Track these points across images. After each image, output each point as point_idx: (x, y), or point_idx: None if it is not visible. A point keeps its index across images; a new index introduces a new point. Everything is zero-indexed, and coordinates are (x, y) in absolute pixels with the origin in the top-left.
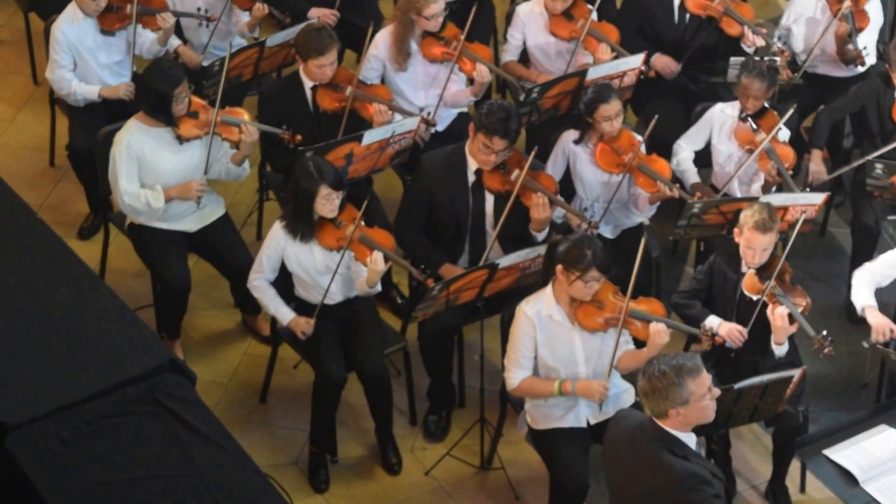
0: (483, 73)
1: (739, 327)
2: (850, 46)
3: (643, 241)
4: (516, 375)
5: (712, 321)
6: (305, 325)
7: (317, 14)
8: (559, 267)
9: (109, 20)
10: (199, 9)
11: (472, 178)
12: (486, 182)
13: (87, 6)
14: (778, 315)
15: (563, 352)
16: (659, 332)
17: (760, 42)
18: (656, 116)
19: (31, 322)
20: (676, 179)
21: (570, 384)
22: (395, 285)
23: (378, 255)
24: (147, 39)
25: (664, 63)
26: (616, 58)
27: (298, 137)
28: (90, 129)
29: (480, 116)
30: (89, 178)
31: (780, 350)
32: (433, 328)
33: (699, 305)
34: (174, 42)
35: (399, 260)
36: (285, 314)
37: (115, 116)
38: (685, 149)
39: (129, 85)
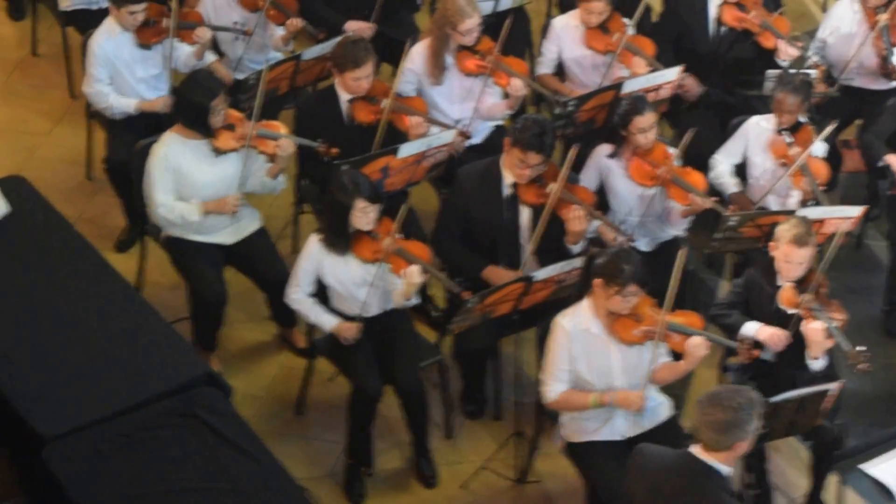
0: (518, 86)
1: (780, 331)
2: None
3: (682, 255)
4: (553, 388)
5: (751, 327)
6: (350, 330)
7: (353, 27)
8: (597, 280)
9: (146, 34)
10: (234, 23)
11: (507, 191)
12: (521, 195)
13: (124, 20)
14: (813, 330)
15: (600, 365)
16: (698, 346)
17: (796, 55)
18: (691, 130)
19: (68, 335)
20: (713, 192)
21: (608, 395)
22: (431, 298)
23: (413, 268)
24: (183, 53)
25: (690, 83)
26: (652, 71)
27: (334, 150)
28: (127, 142)
29: (515, 131)
30: (126, 191)
31: (816, 365)
32: (469, 341)
33: (737, 314)
34: (209, 57)
35: (436, 272)
36: (328, 321)
37: (152, 129)
38: (722, 162)
39: (168, 98)
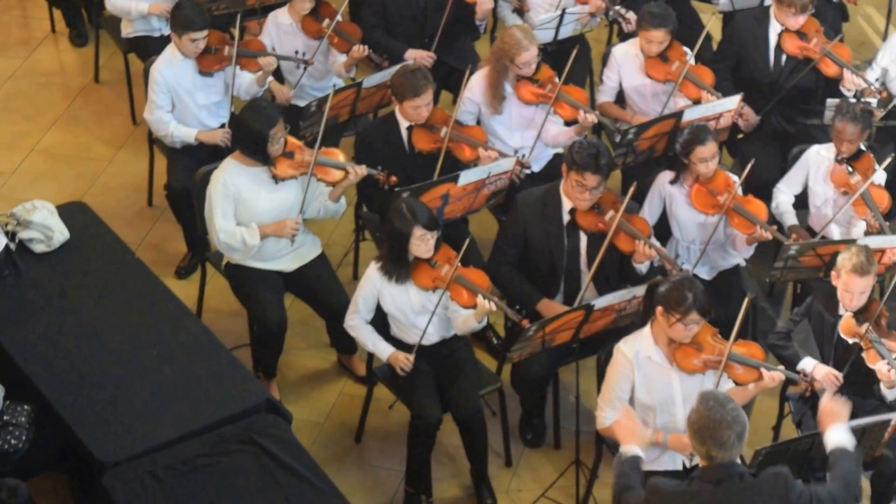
0: (588, 119)
1: (835, 372)
2: None
3: (747, 302)
4: (608, 416)
5: (807, 363)
6: (405, 361)
7: (413, 56)
8: (659, 308)
9: (208, 61)
10: (296, 51)
11: (566, 217)
12: (580, 222)
13: (186, 48)
14: (878, 367)
15: (661, 393)
16: (773, 379)
17: (860, 83)
18: (753, 160)
19: (128, 361)
20: (775, 221)
21: (662, 436)
22: (491, 326)
23: (483, 300)
24: (245, 80)
25: (748, 113)
26: (711, 100)
27: (394, 179)
28: (188, 169)
29: (571, 154)
30: (187, 218)
31: (891, 395)
32: (528, 369)
33: (795, 347)
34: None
35: (495, 300)
36: (384, 350)
37: (213, 156)
38: (784, 192)
39: (227, 132)
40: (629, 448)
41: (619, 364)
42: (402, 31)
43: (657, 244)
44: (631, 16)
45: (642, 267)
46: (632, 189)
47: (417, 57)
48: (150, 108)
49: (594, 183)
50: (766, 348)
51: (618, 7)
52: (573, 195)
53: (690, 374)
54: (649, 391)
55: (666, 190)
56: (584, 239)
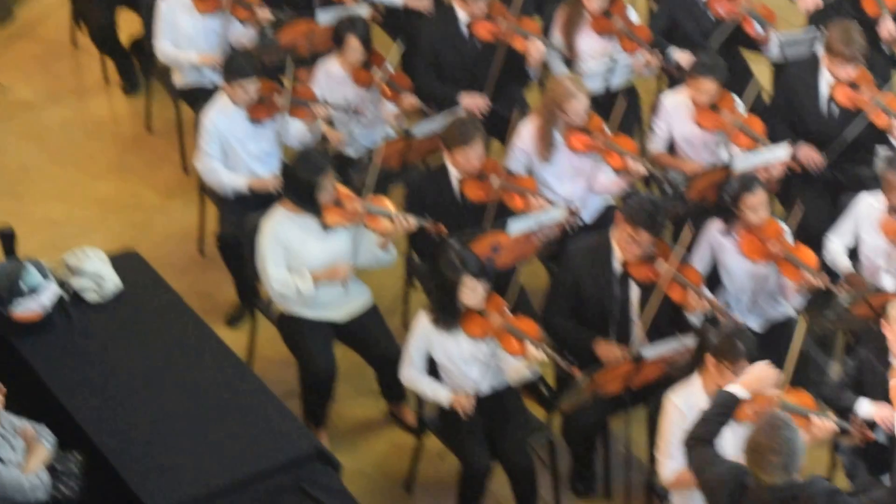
0: (637, 169)
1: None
2: None
3: (799, 330)
4: (669, 466)
5: (864, 407)
6: (467, 401)
7: (467, 100)
8: (710, 357)
9: (259, 110)
10: (346, 101)
11: (617, 267)
12: (632, 272)
13: (236, 96)
14: None
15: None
16: (825, 429)
17: None
18: (800, 207)
19: (178, 408)
20: (827, 270)
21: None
22: (541, 375)
23: (533, 348)
24: (295, 128)
25: (807, 155)
26: (762, 150)
27: (443, 229)
28: (238, 217)
29: (628, 207)
30: (237, 266)
31: None
32: (578, 419)
33: (848, 394)
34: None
35: (546, 349)
36: (445, 395)
37: (263, 205)
38: (834, 241)
39: (278, 178)
40: (735, 387)
41: (671, 415)
42: (452, 79)
43: (708, 294)
44: (684, 55)
45: (695, 317)
46: (684, 238)
47: (470, 102)
48: (201, 157)
49: (647, 240)
50: (819, 399)
51: (670, 51)
52: (625, 246)
53: (741, 423)
54: None
55: (716, 239)
56: (635, 289)
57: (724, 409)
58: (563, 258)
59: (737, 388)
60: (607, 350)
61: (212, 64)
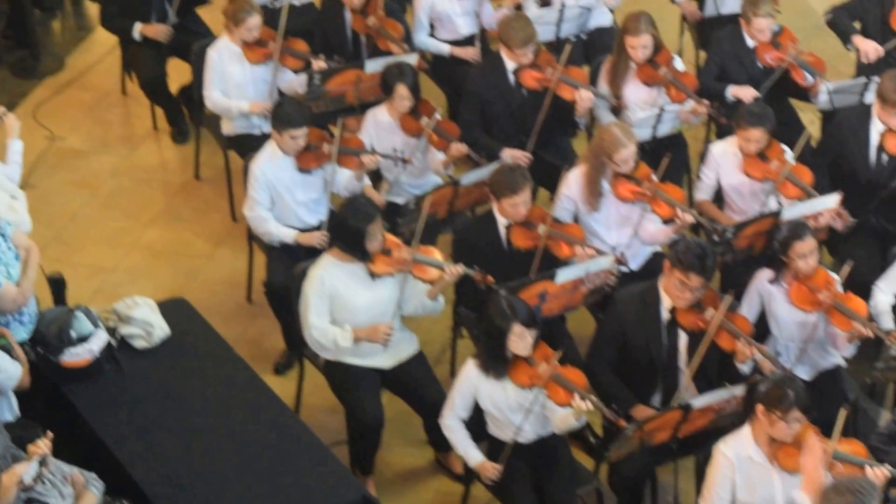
0: (686, 218)
1: None
2: None
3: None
4: None
5: None
6: (492, 471)
7: (510, 155)
8: (760, 407)
9: (307, 159)
10: (394, 149)
11: (665, 315)
12: (680, 320)
13: (285, 145)
14: None
15: (763, 493)
16: (879, 479)
17: None
18: (850, 261)
19: (227, 457)
20: (874, 320)
21: None
22: (588, 424)
23: (579, 399)
24: (344, 177)
25: (841, 214)
26: (810, 199)
27: (490, 279)
28: (286, 265)
29: (677, 253)
30: (285, 314)
31: None
32: (626, 469)
33: None
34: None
35: (593, 399)
36: (474, 457)
37: (311, 253)
38: (883, 290)
39: (324, 234)
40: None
41: (720, 465)
42: (499, 128)
43: (757, 344)
44: (744, 90)
45: (745, 367)
46: (729, 298)
47: (514, 156)
48: (250, 205)
49: (698, 284)
50: (869, 450)
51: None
52: (674, 293)
53: (792, 474)
54: (750, 491)
55: (765, 288)
56: (683, 337)
57: None
58: (610, 306)
59: (803, 498)
60: (645, 416)
61: (262, 112)
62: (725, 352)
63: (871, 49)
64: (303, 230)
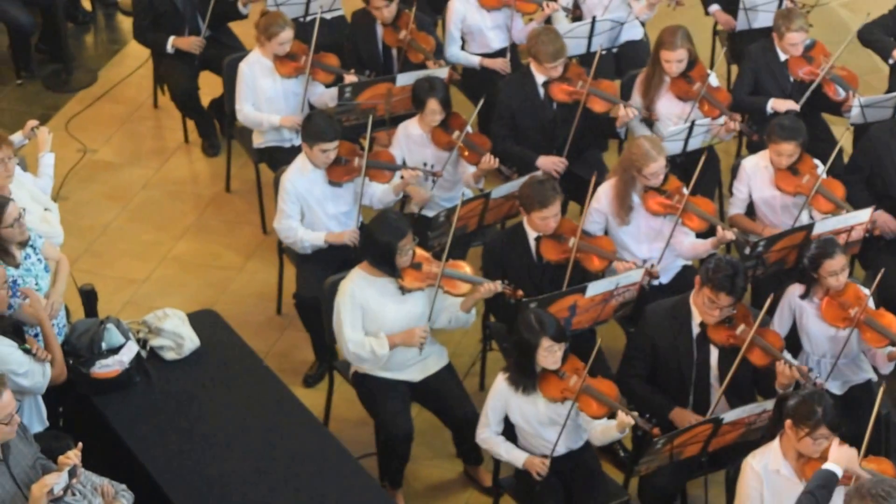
0: (727, 236)
1: None
2: None
3: (879, 398)
4: None
5: None
6: (541, 465)
7: (544, 162)
8: (788, 422)
9: (338, 172)
10: (425, 163)
11: (696, 330)
12: (711, 335)
13: (316, 158)
14: None
15: None
16: None
17: None
18: (883, 271)
19: (256, 469)
20: None
21: None
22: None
23: (623, 415)
24: (378, 190)
25: (884, 221)
26: (843, 213)
27: (520, 293)
28: (317, 278)
29: (707, 271)
30: (315, 327)
31: None
32: (656, 482)
33: None
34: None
35: (625, 410)
36: (518, 456)
37: (341, 266)
38: None
39: (354, 232)
40: (832, 465)
41: (749, 479)
42: (530, 141)
43: (790, 358)
44: (783, 102)
45: (782, 388)
46: (768, 302)
47: (549, 163)
48: (279, 217)
49: (727, 303)
50: None
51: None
52: (703, 310)
53: None
54: None
55: (796, 303)
56: (714, 352)
57: (826, 485)
58: (641, 319)
59: (834, 466)
60: (683, 419)
61: (292, 126)
62: (758, 367)
63: None
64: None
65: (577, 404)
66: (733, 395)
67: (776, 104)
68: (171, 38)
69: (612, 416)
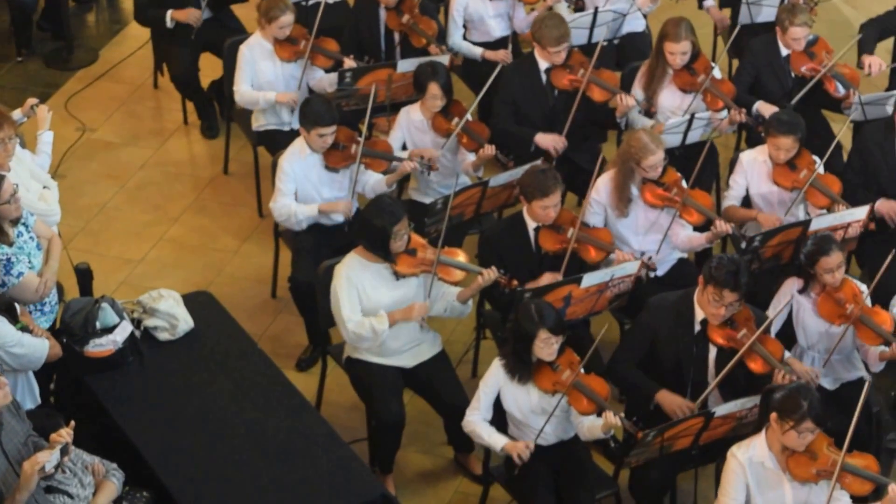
0: (723, 228)
1: None
2: None
3: (864, 392)
4: None
5: None
6: (523, 448)
7: (543, 139)
8: (773, 415)
9: (335, 158)
10: (420, 157)
11: (698, 327)
12: (711, 335)
13: (314, 142)
14: None
15: (773, 500)
16: (891, 498)
17: None
18: (881, 272)
19: (247, 451)
20: None
21: None
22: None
23: (612, 416)
24: (372, 178)
25: (889, 208)
26: (839, 209)
27: (515, 283)
28: (312, 262)
29: (710, 269)
30: (309, 311)
31: None
32: (647, 475)
33: None
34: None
35: (612, 412)
36: (498, 440)
37: (337, 251)
38: None
39: (349, 202)
40: None
41: (733, 469)
42: (530, 126)
43: (789, 368)
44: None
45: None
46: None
47: (548, 140)
48: (276, 196)
49: (732, 300)
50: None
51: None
52: (708, 308)
53: (803, 484)
54: (762, 498)
55: (794, 296)
56: (712, 350)
57: None
58: (644, 310)
59: None
60: (671, 400)
61: (288, 102)
62: (755, 373)
63: (875, 63)
64: (328, 228)
65: (567, 398)
66: (729, 394)
67: (762, 107)
68: (170, 12)
69: (600, 413)
